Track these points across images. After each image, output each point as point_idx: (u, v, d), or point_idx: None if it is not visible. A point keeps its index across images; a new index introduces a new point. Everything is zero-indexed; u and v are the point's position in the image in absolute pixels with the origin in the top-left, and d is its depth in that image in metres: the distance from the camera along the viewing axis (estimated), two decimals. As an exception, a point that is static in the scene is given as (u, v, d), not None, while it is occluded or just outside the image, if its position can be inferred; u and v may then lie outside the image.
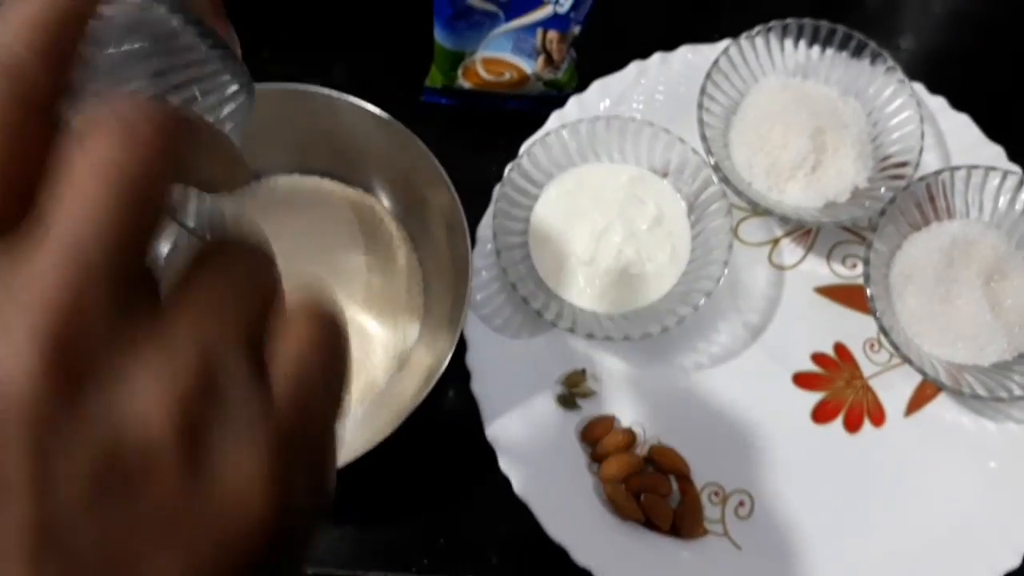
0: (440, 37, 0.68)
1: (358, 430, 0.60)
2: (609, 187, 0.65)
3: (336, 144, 0.66)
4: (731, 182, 0.64)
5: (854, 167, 0.65)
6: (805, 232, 0.68)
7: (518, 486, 0.58)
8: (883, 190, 0.64)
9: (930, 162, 0.68)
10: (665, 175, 0.66)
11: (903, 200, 0.63)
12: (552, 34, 0.67)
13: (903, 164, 0.65)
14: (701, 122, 0.64)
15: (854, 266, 0.67)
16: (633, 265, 0.63)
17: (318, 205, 0.67)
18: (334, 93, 0.62)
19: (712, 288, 0.61)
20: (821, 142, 0.65)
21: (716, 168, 0.63)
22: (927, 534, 0.59)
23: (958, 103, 0.70)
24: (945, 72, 0.72)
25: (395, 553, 0.60)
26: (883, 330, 0.60)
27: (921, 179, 0.63)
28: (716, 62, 0.66)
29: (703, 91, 0.65)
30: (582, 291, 0.64)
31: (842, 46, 0.68)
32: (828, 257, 0.68)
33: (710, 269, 0.62)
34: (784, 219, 0.64)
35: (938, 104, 0.70)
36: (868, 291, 0.61)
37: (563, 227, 0.64)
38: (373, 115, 0.62)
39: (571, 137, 0.65)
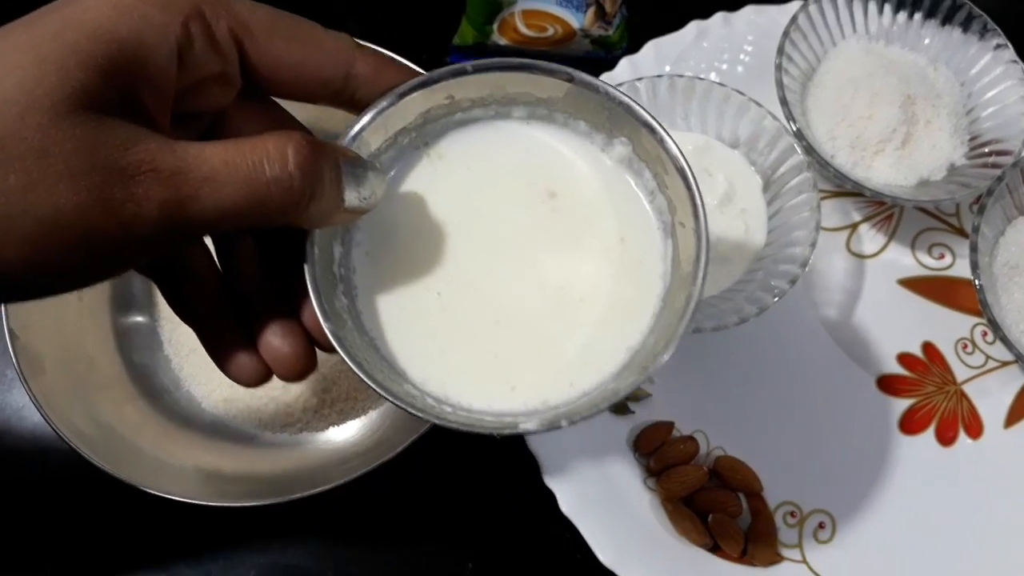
0: (475, -17, 0.61)
1: (376, 433, 0.54)
2: (671, 157, 0.57)
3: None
4: (815, 152, 0.56)
5: (950, 142, 0.58)
6: (886, 217, 0.61)
7: (564, 503, 0.52)
8: (985, 167, 0.57)
9: (1027, 140, 0.60)
10: (736, 145, 0.58)
11: (1012, 178, 0.55)
12: (606, -18, 0.59)
13: (1001, 140, 0.58)
14: (780, 84, 0.57)
15: (942, 256, 0.60)
16: (700, 247, 0.55)
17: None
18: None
19: (798, 274, 0.53)
20: (912, 113, 0.58)
21: (799, 136, 0.55)
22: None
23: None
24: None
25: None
26: (993, 325, 0.52)
27: (1032, 153, 0.56)
28: (795, 19, 0.59)
29: (781, 50, 0.58)
30: (639, 275, 0.55)
31: (932, 7, 0.60)
32: (912, 246, 0.61)
33: (792, 252, 0.54)
34: (875, 196, 0.56)
35: (1035, 76, 0.62)
36: (976, 282, 0.53)
37: (617, 202, 0.56)
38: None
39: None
